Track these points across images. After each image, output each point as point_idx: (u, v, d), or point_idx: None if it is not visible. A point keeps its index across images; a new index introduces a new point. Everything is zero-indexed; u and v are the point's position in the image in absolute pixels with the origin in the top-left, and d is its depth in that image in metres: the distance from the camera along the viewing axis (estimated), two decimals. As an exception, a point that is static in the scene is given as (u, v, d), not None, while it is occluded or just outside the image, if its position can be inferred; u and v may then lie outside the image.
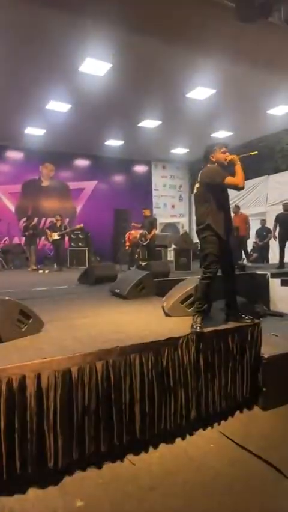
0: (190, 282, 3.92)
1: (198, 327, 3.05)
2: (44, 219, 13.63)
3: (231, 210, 10.04)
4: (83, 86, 8.67)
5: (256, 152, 3.61)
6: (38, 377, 2.29)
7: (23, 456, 2.23)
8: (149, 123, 11.56)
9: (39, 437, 2.28)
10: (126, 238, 9.13)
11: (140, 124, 11.61)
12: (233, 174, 3.35)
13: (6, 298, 2.93)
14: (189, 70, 8.24)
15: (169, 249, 12.23)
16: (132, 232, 9.03)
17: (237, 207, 10.01)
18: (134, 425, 2.63)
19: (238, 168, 3.33)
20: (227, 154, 3.44)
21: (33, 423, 2.25)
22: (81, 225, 11.39)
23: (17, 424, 2.21)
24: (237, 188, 3.32)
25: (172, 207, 16.96)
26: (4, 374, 2.20)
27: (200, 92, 9.31)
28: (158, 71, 8.24)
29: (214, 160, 3.46)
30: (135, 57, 7.64)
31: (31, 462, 2.25)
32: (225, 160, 3.40)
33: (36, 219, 12.33)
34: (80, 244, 12.00)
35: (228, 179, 3.30)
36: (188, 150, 14.88)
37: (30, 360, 2.34)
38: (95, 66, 7.80)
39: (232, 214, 10.04)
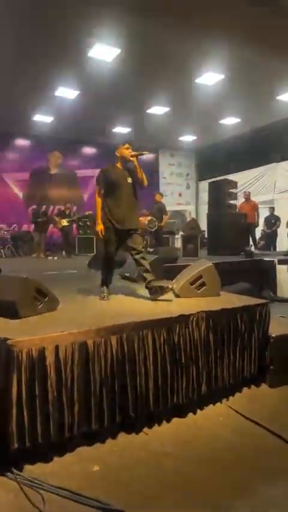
0: (198, 265, 4.00)
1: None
2: (52, 206, 13.72)
3: (243, 195, 10.12)
4: (92, 72, 8.69)
5: (147, 153, 3.86)
6: (57, 348, 2.39)
7: (43, 424, 2.34)
8: (158, 109, 11.53)
9: (59, 407, 2.40)
10: (134, 225, 9.16)
11: (148, 111, 11.59)
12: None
13: (24, 276, 3.03)
14: (198, 55, 8.19)
15: (176, 236, 12.28)
16: (140, 218, 9.06)
17: (247, 193, 9.98)
18: (148, 397, 2.74)
19: (137, 165, 3.70)
20: (130, 150, 3.70)
21: (53, 392, 2.37)
22: (90, 212, 11.45)
23: (38, 393, 2.32)
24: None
25: (179, 195, 16.97)
26: (25, 345, 2.31)
27: (209, 77, 9.27)
28: (167, 57, 8.20)
29: (118, 155, 3.76)
30: (144, 43, 7.62)
31: (53, 430, 2.36)
32: (130, 155, 3.68)
33: (44, 207, 12.44)
34: (87, 231, 12.09)
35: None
36: (195, 137, 14.82)
37: (49, 333, 2.45)
38: (104, 51, 7.81)
39: (242, 201, 10.13)
